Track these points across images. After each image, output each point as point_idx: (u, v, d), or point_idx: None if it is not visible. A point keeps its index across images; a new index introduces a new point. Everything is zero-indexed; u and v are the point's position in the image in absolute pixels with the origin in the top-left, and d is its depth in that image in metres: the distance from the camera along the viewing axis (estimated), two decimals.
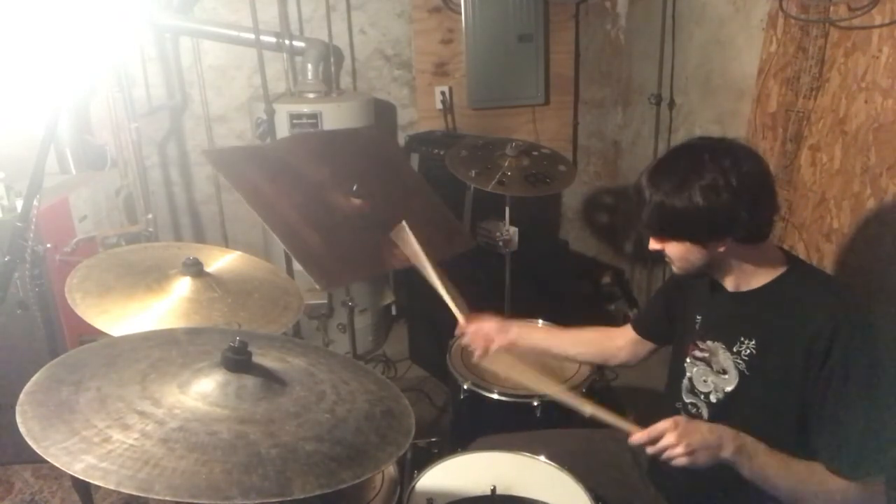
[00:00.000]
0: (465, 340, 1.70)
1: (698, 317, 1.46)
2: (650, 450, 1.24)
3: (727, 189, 1.20)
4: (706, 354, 1.42)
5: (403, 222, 1.74)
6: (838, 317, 1.21)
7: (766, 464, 1.22)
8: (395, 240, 1.75)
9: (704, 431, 1.23)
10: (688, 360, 1.47)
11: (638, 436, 1.25)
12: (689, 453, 1.20)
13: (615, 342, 1.71)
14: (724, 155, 1.22)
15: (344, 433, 1.00)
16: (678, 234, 1.29)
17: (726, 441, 1.22)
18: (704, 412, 1.42)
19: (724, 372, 1.37)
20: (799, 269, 1.34)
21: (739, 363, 1.34)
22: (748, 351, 1.33)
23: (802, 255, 2.05)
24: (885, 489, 1.23)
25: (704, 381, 1.42)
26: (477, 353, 1.67)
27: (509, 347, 1.67)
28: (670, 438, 1.21)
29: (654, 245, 1.35)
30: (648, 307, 1.76)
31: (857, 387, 1.20)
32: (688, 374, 1.47)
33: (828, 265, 1.95)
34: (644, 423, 1.65)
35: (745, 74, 2.43)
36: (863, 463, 1.21)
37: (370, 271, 2.48)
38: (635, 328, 1.69)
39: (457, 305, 1.67)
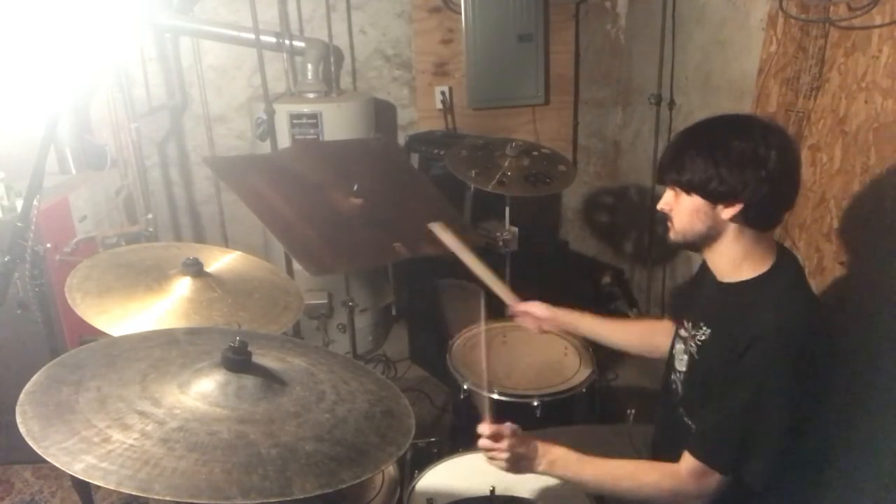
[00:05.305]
0: (517, 320, 1.84)
1: (692, 299, 1.52)
2: (482, 443, 1.35)
3: (763, 159, 1.22)
4: (685, 334, 1.47)
5: (436, 224, 1.83)
6: (760, 333, 1.24)
7: (580, 472, 1.35)
8: (434, 235, 1.82)
9: (528, 447, 1.34)
10: (676, 338, 1.52)
11: (485, 428, 1.34)
12: (509, 461, 1.33)
13: (657, 336, 1.71)
14: (775, 133, 1.25)
15: (344, 433, 1.00)
16: (696, 183, 1.28)
17: (539, 457, 1.35)
18: (680, 389, 1.48)
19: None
20: (777, 273, 1.33)
21: (692, 346, 1.41)
22: (702, 337, 1.39)
23: (802, 256, 2.05)
24: (718, 486, 1.29)
25: (680, 360, 1.48)
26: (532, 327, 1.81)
27: (556, 329, 1.84)
28: (504, 444, 1.32)
29: (666, 199, 1.36)
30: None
31: (746, 394, 1.25)
32: (672, 352, 1.53)
33: (828, 265, 1.95)
34: (645, 420, 1.67)
35: (745, 74, 2.43)
36: (722, 456, 1.28)
37: (365, 263, 2.48)
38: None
39: (504, 290, 1.79)
